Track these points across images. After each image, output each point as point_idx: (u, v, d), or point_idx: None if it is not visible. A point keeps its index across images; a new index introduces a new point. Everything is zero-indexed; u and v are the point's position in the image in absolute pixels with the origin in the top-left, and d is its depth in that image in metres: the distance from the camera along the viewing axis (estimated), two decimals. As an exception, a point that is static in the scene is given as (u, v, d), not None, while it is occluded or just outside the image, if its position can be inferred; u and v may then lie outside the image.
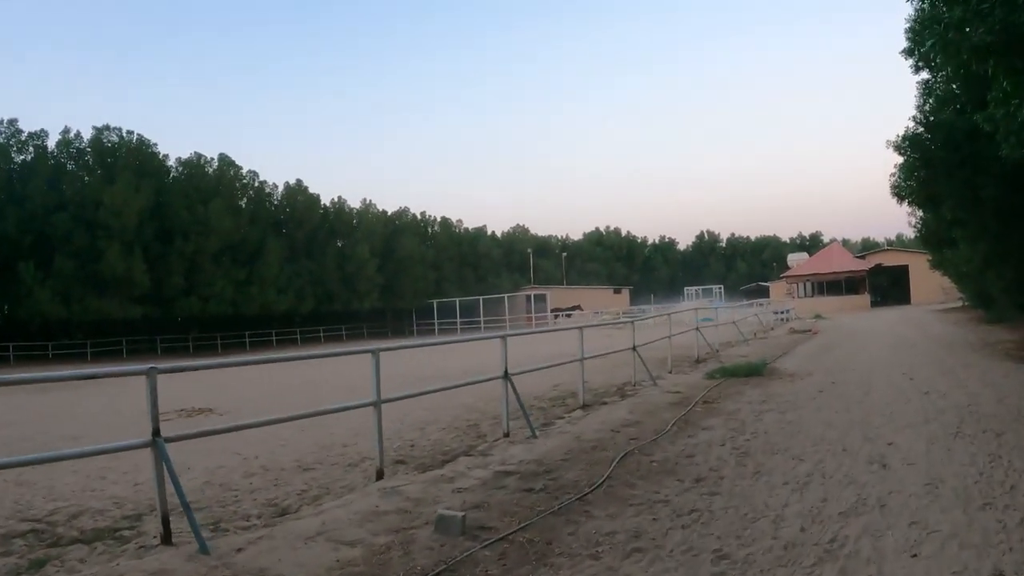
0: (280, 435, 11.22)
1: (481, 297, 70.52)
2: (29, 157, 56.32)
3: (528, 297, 72.21)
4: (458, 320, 68.77)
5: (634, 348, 14.88)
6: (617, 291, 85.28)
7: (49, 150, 57.20)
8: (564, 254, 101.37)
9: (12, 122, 55.81)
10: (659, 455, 7.89)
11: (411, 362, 25.90)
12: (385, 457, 9.42)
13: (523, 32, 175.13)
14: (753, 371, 14.97)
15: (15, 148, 56.03)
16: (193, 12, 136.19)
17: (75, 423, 15.53)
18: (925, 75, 19.45)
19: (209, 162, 64.86)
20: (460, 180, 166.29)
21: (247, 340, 59.41)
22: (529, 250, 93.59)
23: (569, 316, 63.53)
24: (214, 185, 63.49)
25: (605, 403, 12.55)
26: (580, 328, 12.66)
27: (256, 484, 8.67)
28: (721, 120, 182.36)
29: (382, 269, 73.11)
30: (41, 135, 56.91)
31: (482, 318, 67.42)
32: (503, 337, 9.98)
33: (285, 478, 8.89)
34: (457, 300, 71.41)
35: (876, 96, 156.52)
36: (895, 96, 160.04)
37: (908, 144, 19.01)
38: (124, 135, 60.02)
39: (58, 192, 54.63)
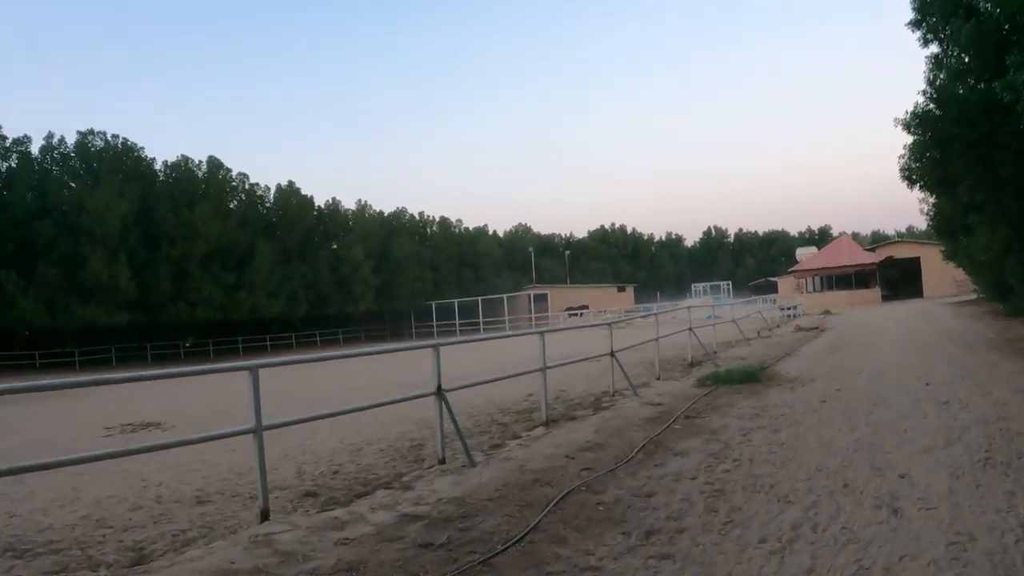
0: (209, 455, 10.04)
1: (480, 298, 68.97)
2: (12, 163, 55.21)
3: (529, 297, 70.75)
4: (456, 322, 67.38)
5: (612, 354, 13.24)
6: (621, 289, 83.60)
7: (32, 156, 56.10)
8: (568, 252, 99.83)
9: None
10: (611, 493, 6.29)
11: (378, 368, 24.47)
12: (295, 489, 8.06)
13: (524, 28, 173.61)
14: (748, 377, 13.35)
15: None
16: (182, 12, 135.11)
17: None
18: (935, 48, 17.87)
19: (197, 165, 63.47)
20: (460, 180, 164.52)
21: (240, 346, 57.93)
22: (531, 249, 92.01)
23: (580, 315, 61.96)
24: (202, 188, 62.17)
25: (574, 418, 10.97)
26: (540, 333, 10.98)
27: (136, 520, 7.33)
28: (726, 113, 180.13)
29: (378, 271, 71.60)
30: (24, 141, 55.87)
31: (481, 319, 65.93)
32: (435, 346, 8.39)
33: (172, 513, 7.53)
34: (456, 301, 70.01)
35: (885, 82, 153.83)
36: (904, 81, 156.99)
37: (918, 122, 17.35)
38: (109, 139, 58.79)
39: (41, 198, 53.55)
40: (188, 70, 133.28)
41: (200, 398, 20.64)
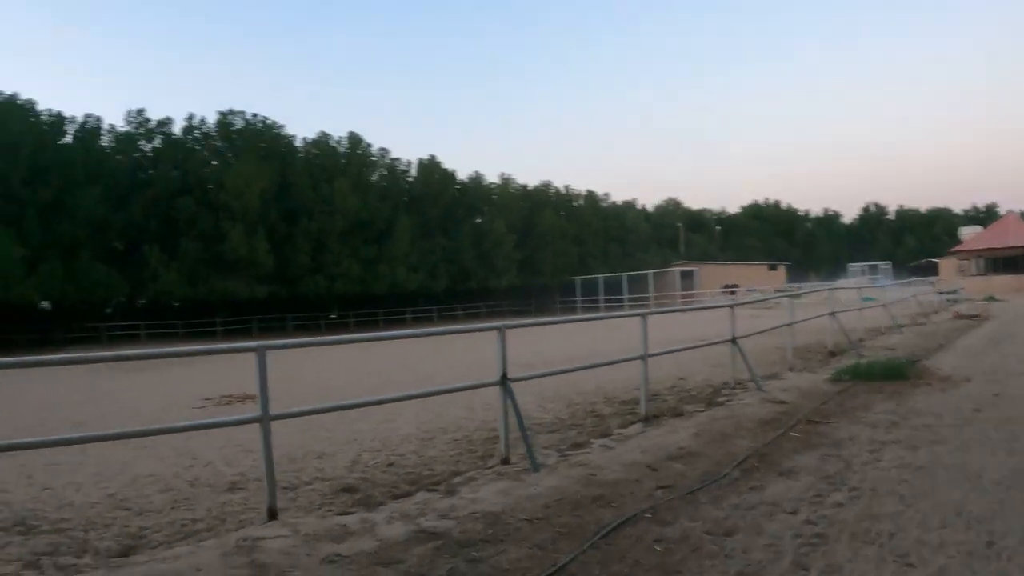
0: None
1: (625, 274, 67.03)
2: (157, 144, 58.35)
3: (676, 274, 68.13)
4: (601, 297, 65.81)
5: (733, 340, 11.64)
6: (773, 268, 79.26)
7: (174, 136, 59.01)
8: (719, 228, 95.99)
9: (140, 111, 58.25)
10: (680, 526, 4.95)
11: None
12: (337, 481, 7.17)
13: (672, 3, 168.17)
14: (893, 372, 11.40)
15: (143, 136, 58.27)
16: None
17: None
18: None
19: (337, 142, 64.81)
20: (608, 153, 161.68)
21: (380, 319, 58.83)
22: (679, 224, 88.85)
23: (733, 293, 59.12)
24: (341, 164, 63.24)
25: (681, 414, 9.57)
26: (642, 316, 9.55)
27: (156, 504, 6.81)
28: (884, 84, 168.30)
29: (521, 245, 70.97)
30: (167, 122, 58.91)
31: (625, 295, 64.06)
32: (500, 329, 7.21)
33: (197, 499, 6.92)
34: (601, 277, 68.38)
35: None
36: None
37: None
38: (249, 118, 61.15)
39: (183, 176, 56.34)
40: (329, 51, 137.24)
41: (315, 373, 20.42)
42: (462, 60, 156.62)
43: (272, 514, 5.57)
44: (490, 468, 7.14)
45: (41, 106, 52.38)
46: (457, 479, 6.81)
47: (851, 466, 6.37)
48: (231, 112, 60.56)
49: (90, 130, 55.97)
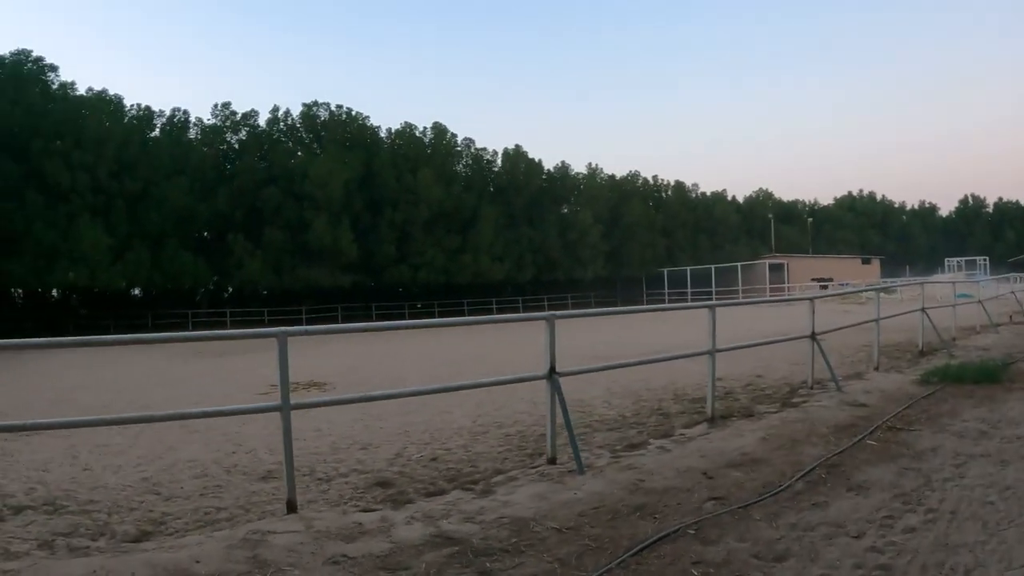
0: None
1: (713, 266, 65.50)
2: (242, 136, 60.12)
3: (765, 266, 66.22)
4: (688, 290, 64.51)
5: (812, 336, 10.82)
6: (866, 261, 76.16)
7: (259, 128, 60.62)
8: (810, 220, 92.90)
9: (226, 105, 60.11)
10: (725, 547, 4.40)
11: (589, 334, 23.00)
12: (374, 475, 6.86)
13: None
14: (986, 375, 10.41)
15: (229, 129, 60.08)
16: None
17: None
18: None
19: (423, 132, 65.17)
20: (698, 144, 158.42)
21: (465, 308, 59.00)
22: (770, 215, 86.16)
23: (825, 287, 57.12)
24: (425, 154, 63.56)
25: (751, 414, 8.91)
26: (711, 308, 8.90)
27: (187, 490, 6.78)
28: (989, 71, 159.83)
29: (608, 236, 70.13)
30: (252, 115, 60.62)
31: (714, 288, 62.58)
32: (549, 319, 6.72)
33: (229, 487, 6.86)
34: (688, 269, 67.03)
35: None
36: None
37: None
38: (333, 109, 62.21)
39: (268, 167, 57.73)
40: (416, 42, 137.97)
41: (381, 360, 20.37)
42: (549, 49, 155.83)
43: (291, 507, 5.31)
44: (534, 468, 6.70)
45: (130, 101, 55.58)
46: (497, 478, 6.42)
47: (931, 482, 5.67)
48: (315, 104, 61.91)
49: (177, 124, 58.38)
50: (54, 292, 55.59)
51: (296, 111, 62.07)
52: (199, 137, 59.04)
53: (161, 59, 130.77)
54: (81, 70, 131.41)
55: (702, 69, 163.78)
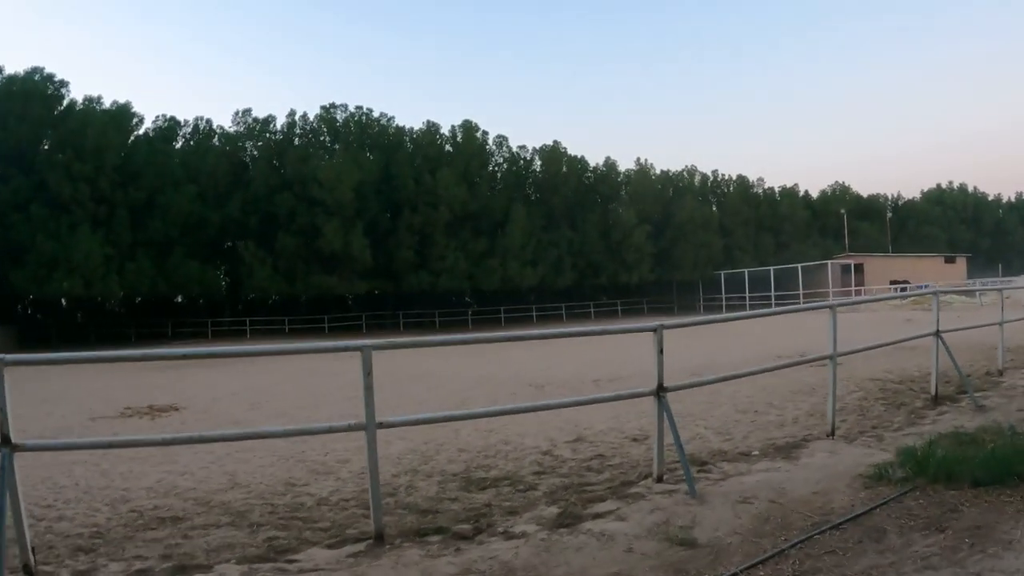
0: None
1: (772, 268, 64.62)
2: (259, 142, 62.43)
3: (828, 267, 64.77)
4: (747, 294, 63.70)
5: (937, 331, 10.41)
6: (950, 260, 74.89)
7: (276, 133, 62.87)
8: (890, 216, 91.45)
9: (246, 111, 63.11)
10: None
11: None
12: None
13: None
14: (998, 467, 6.12)
15: (245, 136, 62.82)
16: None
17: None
18: None
19: (451, 131, 66.44)
20: (765, 136, 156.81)
21: (502, 316, 59.47)
22: (843, 211, 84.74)
23: (904, 289, 56.27)
24: (448, 153, 64.51)
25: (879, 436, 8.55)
26: (831, 308, 8.60)
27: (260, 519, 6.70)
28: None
29: (658, 237, 70.13)
30: (270, 120, 62.97)
31: (773, 292, 61.81)
32: (657, 329, 6.58)
33: (308, 517, 6.75)
34: (746, 271, 66.33)
35: None
36: None
37: None
38: (352, 110, 64.02)
39: (282, 172, 59.66)
40: (447, 39, 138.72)
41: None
42: (600, 42, 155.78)
43: (378, 538, 5.42)
44: (641, 481, 6.68)
45: (150, 111, 59.04)
46: (596, 496, 6.34)
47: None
48: (333, 106, 63.72)
49: (202, 133, 61.57)
50: (63, 301, 58.77)
51: (314, 113, 64.50)
52: (216, 144, 61.58)
53: (192, 71, 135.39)
54: (104, 86, 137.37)
55: (773, 57, 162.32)
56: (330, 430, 6.38)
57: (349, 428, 5.76)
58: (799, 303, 52.96)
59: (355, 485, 7.73)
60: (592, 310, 66.12)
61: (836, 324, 8.36)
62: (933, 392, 10.68)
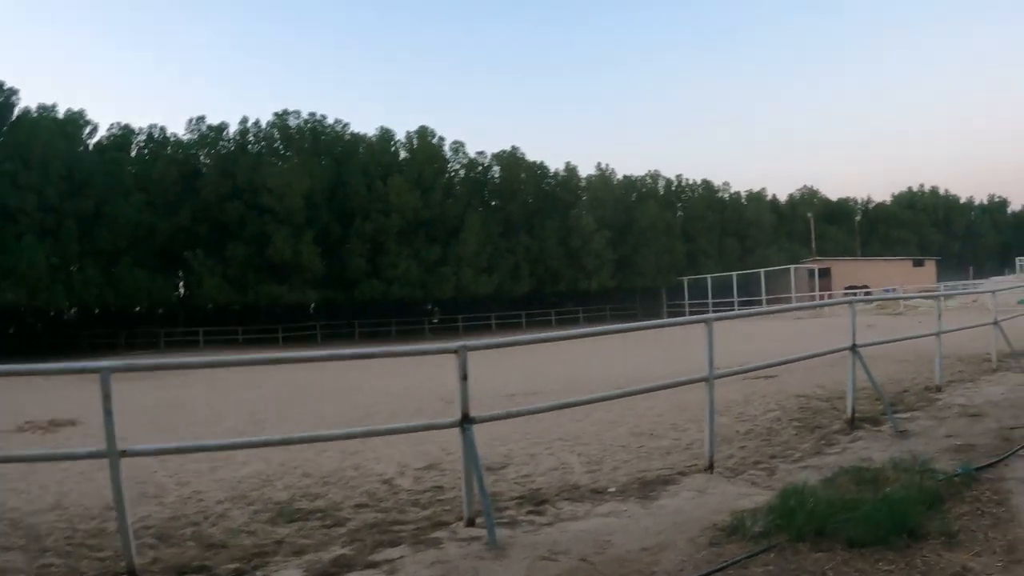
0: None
1: (734, 273, 64.46)
2: (209, 149, 62.44)
3: (797, 271, 64.57)
4: (710, 300, 63.43)
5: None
6: (919, 263, 75.23)
7: (228, 140, 62.92)
8: (858, 219, 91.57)
9: (200, 119, 62.82)
10: None
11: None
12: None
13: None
14: (888, 522, 4.98)
15: (197, 143, 62.73)
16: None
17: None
18: None
19: (407, 137, 66.70)
20: (731, 140, 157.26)
21: (460, 324, 59.08)
22: (809, 215, 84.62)
23: (868, 294, 55.96)
24: (403, 160, 64.86)
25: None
26: (706, 322, 7.66)
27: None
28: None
29: (619, 242, 70.12)
30: (222, 127, 62.84)
31: (736, 298, 61.46)
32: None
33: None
34: (709, 277, 66.15)
35: None
36: None
37: None
38: (305, 117, 64.17)
39: (233, 180, 59.21)
40: (420, 46, 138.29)
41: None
42: (561, 48, 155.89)
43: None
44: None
45: (107, 120, 58.62)
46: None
47: None
48: (286, 112, 63.64)
49: (149, 139, 61.53)
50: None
51: (266, 120, 64.31)
52: (166, 152, 61.30)
53: (153, 80, 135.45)
54: (63, 95, 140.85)
55: (738, 61, 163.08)
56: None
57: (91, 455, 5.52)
58: (763, 307, 52.49)
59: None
60: (553, 317, 65.91)
61: (713, 342, 7.58)
62: (849, 414, 9.80)
